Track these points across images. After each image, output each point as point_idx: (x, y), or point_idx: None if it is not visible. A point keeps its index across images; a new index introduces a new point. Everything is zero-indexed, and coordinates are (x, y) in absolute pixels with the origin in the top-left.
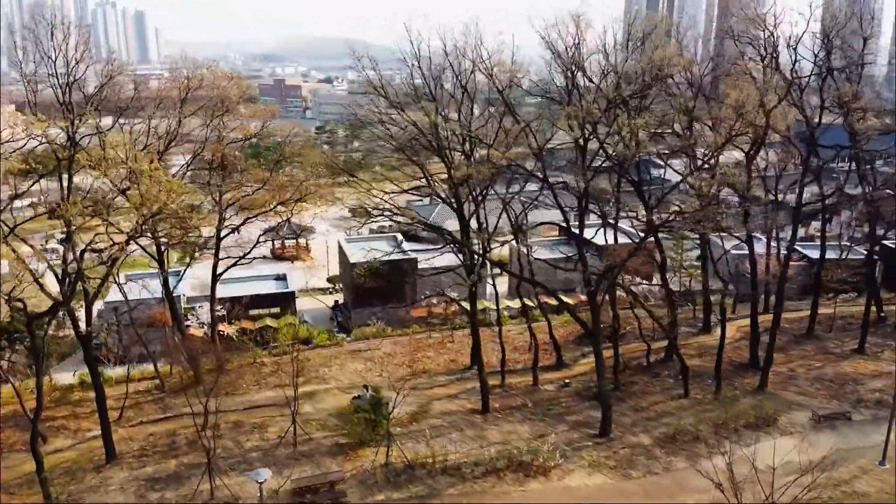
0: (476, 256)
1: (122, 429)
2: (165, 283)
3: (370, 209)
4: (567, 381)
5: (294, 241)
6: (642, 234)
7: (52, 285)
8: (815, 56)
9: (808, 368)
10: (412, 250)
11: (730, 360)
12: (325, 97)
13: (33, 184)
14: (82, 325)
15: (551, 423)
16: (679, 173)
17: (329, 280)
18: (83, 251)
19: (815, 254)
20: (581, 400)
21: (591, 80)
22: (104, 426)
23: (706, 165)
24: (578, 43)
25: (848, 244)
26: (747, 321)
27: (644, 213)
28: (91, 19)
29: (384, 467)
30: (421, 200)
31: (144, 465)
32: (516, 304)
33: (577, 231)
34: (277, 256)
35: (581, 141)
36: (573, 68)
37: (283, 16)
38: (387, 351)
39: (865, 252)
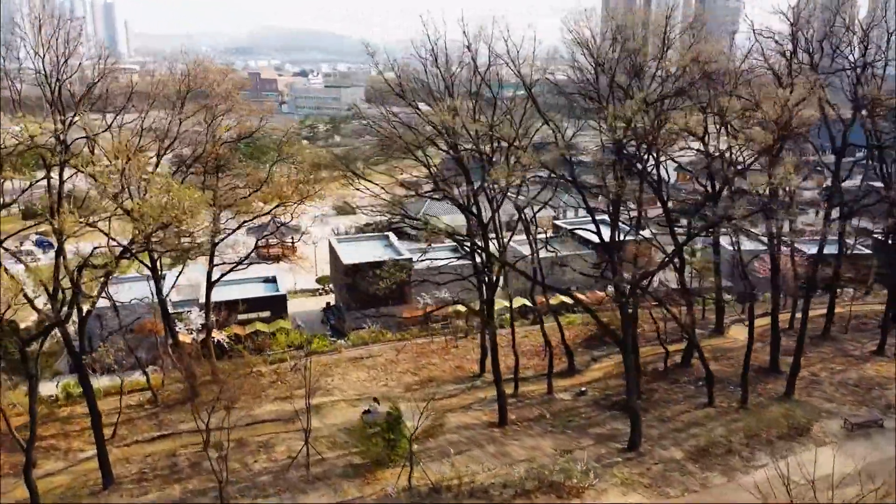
0: (493, 261)
1: (117, 448)
2: (159, 292)
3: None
4: (583, 388)
5: (278, 240)
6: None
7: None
8: (834, 50)
9: (831, 372)
10: (435, 256)
11: (749, 364)
12: (301, 91)
13: (23, 192)
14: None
15: (574, 436)
16: (688, 170)
17: (318, 281)
18: (81, 267)
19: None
20: (601, 410)
21: (608, 77)
22: (100, 449)
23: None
24: (616, 38)
25: (852, 241)
26: (759, 322)
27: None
28: (58, 10)
29: (407, 491)
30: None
31: (146, 490)
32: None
33: (573, 230)
34: (262, 257)
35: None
36: (613, 66)
37: (252, 8)
38: (389, 358)
39: (870, 250)
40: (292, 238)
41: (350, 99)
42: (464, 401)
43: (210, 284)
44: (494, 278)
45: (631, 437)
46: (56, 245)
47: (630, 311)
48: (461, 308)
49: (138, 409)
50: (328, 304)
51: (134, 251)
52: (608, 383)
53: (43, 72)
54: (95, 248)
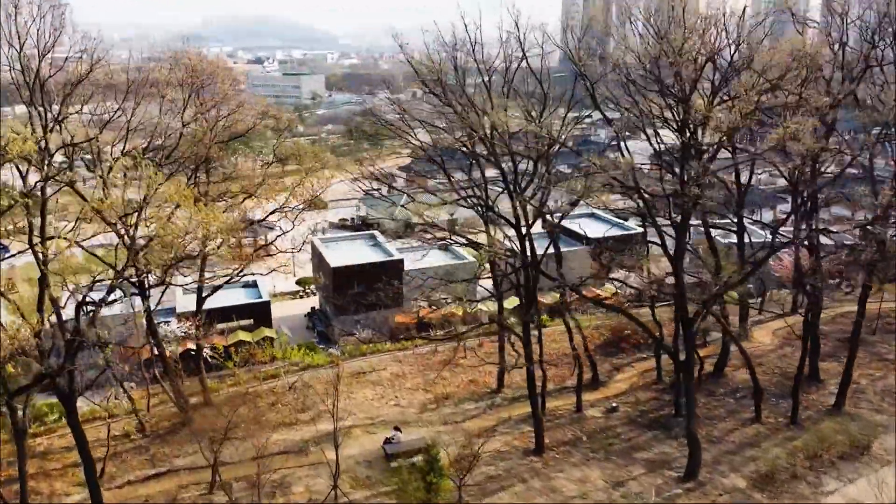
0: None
1: (108, 491)
2: (147, 311)
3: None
4: (614, 404)
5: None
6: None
7: None
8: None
9: (871, 379)
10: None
11: (782, 371)
12: (259, 79)
13: (2, 214)
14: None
15: (621, 463)
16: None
17: (298, 283)
18: (80, 304)
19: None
20: (639, 429)
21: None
22: (95, 498)
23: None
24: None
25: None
26: (778, 324)
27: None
28: None
29: None
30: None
31: None
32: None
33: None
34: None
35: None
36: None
37: None
38: (394, 371)
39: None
40: (265, 237)
41: (310, 87)
42: (486, 422)
43: (201, 299)
44: (533, 291)
45: (689, 466)
46: (39, 271)
47: (696, 333)
48: (458, 312)
49: (125, 440)
50: (313, 308)
51: (145, 281)
52: (637, 396)
53: (20, 67)
54: (96, 280)
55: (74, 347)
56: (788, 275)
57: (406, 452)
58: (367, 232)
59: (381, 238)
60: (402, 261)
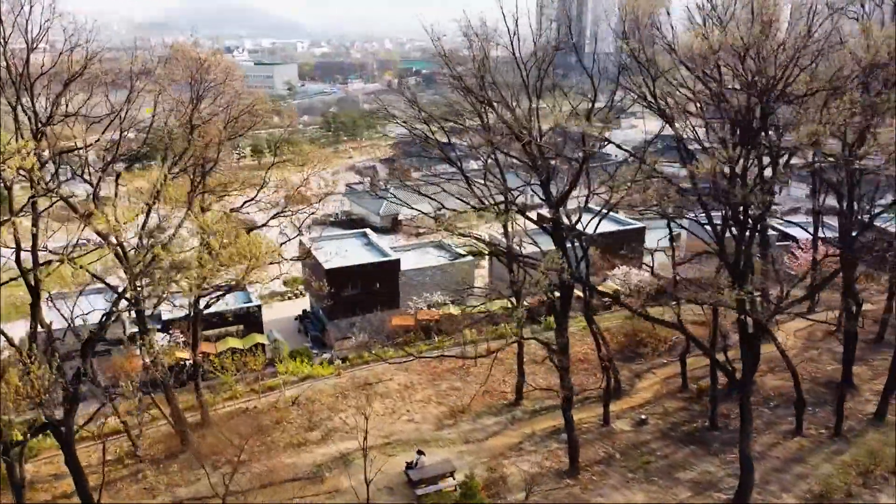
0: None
1: None
2: (142, 324)
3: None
4: (643, 416)
5: None
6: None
7: None
8: None
9: None
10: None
11: (811, 375)
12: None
13: None
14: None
15: (665, 484)
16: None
17: (286, 283)
18: (89, 341)
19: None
20: (674, 444)
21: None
22: None
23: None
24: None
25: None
26: (796, 325)
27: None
28: None
29: None
30: (360, 188)
31: None
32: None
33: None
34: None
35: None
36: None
37: None
38: (401, 382)
39: None
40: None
41: (283, 77)
42: (510, 439)
43: (197, 311)
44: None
45: (741, 488)
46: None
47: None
48: (455, 311)
49: (118, 465)
50: (304, 311)
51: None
52: (665, 406)
53: (5, 64)
54: (105, 314)
55: (77, 391)
56: (806, 273)
57: (431, 478)
58: (359, 230)
59: (373, 236)
60: (398, 261)
